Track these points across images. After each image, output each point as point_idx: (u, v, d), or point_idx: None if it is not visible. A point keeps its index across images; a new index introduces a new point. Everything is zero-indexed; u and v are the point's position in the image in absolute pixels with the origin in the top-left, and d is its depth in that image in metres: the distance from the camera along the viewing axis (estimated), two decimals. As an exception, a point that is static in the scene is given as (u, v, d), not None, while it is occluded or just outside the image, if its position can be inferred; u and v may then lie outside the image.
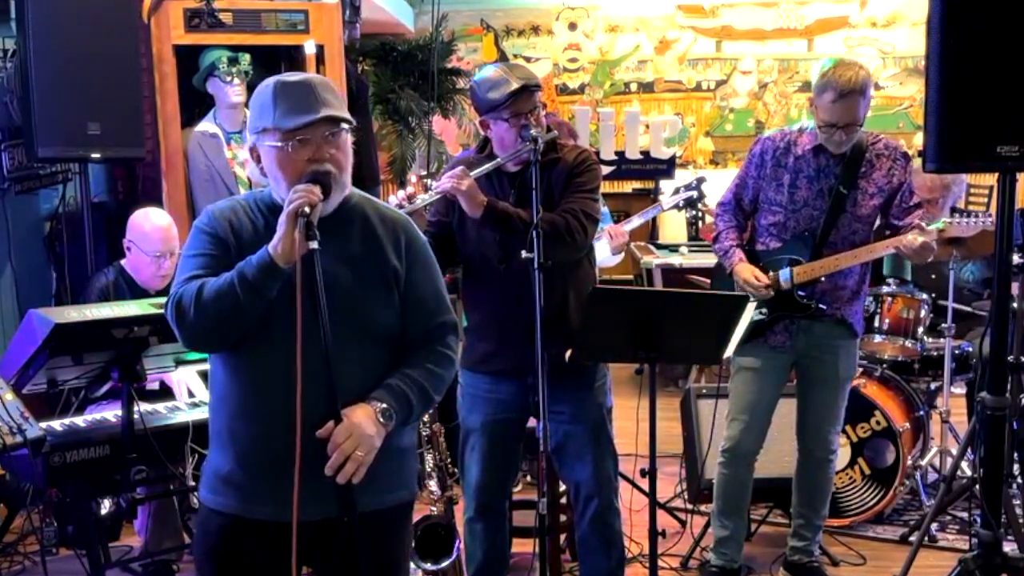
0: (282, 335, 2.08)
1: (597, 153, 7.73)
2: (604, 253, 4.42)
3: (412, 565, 3.04)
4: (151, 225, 3.84)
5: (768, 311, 3.61)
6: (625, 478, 4.40)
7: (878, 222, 3.64)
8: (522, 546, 3.66)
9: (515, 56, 8.87)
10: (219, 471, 2.21)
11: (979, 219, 3.63)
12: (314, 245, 2.03)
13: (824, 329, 3.59)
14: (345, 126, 2.16)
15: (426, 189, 3.03)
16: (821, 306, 3.55)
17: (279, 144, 2.12)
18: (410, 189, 3.03)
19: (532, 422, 3.26)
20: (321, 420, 2.06)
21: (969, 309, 4.66)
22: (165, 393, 3.71)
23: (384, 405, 2.13)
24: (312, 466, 2.06)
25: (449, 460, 3.38)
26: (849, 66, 3.39)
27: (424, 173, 5.55)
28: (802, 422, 3.73)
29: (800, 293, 3.55)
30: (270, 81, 2.19)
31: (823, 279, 3.53)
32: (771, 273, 3.57)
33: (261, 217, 2.21)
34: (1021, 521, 3.55)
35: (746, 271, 3.58)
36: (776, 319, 3.60)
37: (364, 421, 2.09)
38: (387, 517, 2.23)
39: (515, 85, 2.92)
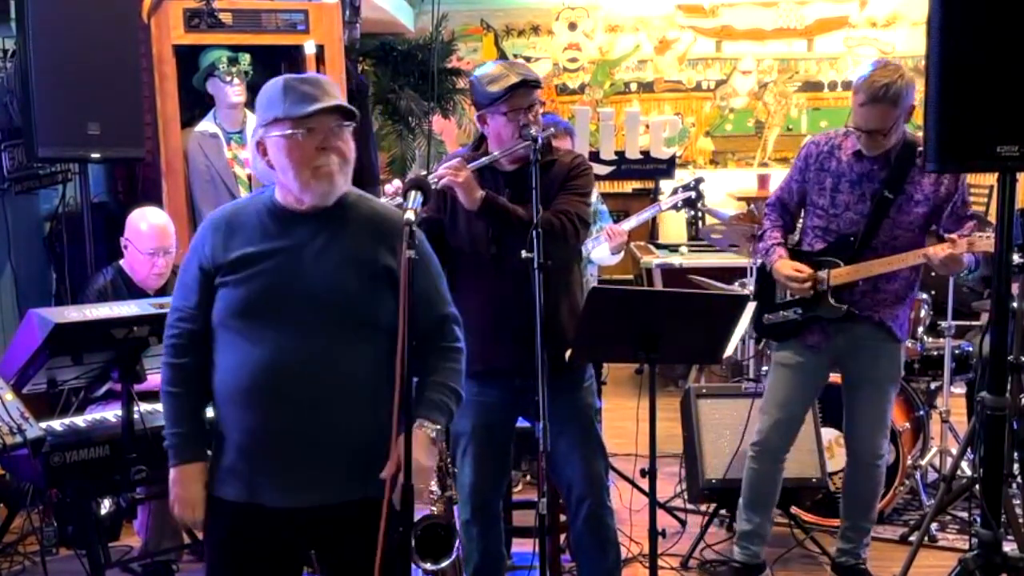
0: (273, 327, 2.19)
1: (597, 153, 7.77)
2: (603, 253, 4.44)
3: (412, 564, 3.04)
4: (147, 223, 3.84)
5: (802, 311, 3.61)
6: (625, 478, 4.41)
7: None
8: (522, 546, 3.66)
9: (515, 56, 8.86)
10: (220, 460, 2.29)
11: None
12: (412, 254, 2.14)
13: (863, 331, 3.57)
14: (350, 121, 2.23)
15: None
16: (854, 311, 3.53)
17: (289, 132, 2.19)
18: (399, 184, 2.99)
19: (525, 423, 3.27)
20: (323, 409, 2.18)
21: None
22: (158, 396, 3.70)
23: (438, 426, 2.30)
24: (315, 453, 2.19)
25: (449, 460, 3.38)
26: (889, 72, 3.34)
27: (425, 172, 5.54)
28: (850, 427, 3.72)
29: (837, 297, 3.52)
30: (279, 78, 2.26)
31: (861, 282, 3.51)
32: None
33: (261, 219, 2.28)
34: (1021, 521, 3.55)
35: (787, 267, 3.57)
36: (810, 319, 3.60)
37: (423, 455, 2.23)
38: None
39: (514, 79, 2.92)
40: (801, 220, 3.76)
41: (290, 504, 2.22)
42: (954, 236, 3.39)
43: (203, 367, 2.31)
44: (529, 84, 2.96)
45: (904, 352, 3.73)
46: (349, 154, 2.25)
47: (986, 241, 3.42)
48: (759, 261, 3.81)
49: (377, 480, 2.20)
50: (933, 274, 4.62)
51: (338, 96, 2.23)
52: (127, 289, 3.85)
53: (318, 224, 2.25)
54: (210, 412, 2.37)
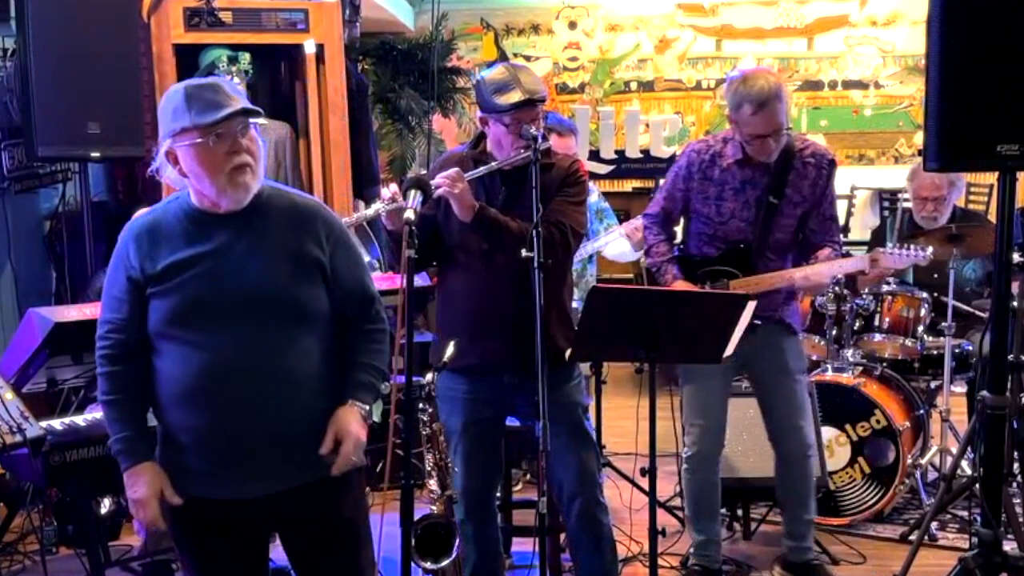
0: (211, 330, 2.25)
1: (597, 152, 7.78)
2: (623, 248, 4.43)
3: (413, 564, 3.04)
4: None
5: None
6: (625, 477, 4.41)
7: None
8: (522, 545, 3.66)
9: (515, 55, 8.86)
10: (174, 461, 2.35)
11: (911, 253, 3.61)
12: (412, 253, 2.21)
13: (764, 331, 3.59)
14: (255, 120, 2.29)
15: None
16: (756, 321, 3.52)
17: (199, 140, 2.23)
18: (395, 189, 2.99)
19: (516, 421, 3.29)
20: (270, 402, 2.27)
21: (968, 309, 4.65)
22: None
23: (367, 407, 2.39)
24: (262, 445, 2.29)
25: (449, 460, 3.38)
26: (759, 76, 3.40)
27: (424, 172, 5.55)
28: (771, 426, 3.74)
29: None
30: (179, 86, 2.30)
31: None
32: (707, 285, 3.58)
33: (182, 225, 2.34)
34: (1021, 520, 3.55)
35: (684, 288, 3.58)
36: None
37: (359, 431, 2.35)
38: (338, 481, 2.37)
39: (521, 97, 2.91)
40: (681, 225, 3.78)
41: (246, 495, 2.32)
42: (865, 256, 3.54)
43: (138, 373, 2.35)
44: (534, 101, 2.95)
45: (803, 344, 3.80)
46: (258, 152, 2.31)
47: (888, 257, 3.58)
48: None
49: (324, 461, 2.32)
50: (935, 275, 4.66)
51: (240, 98, 2.29)
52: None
53: (240, 224, 2.31)
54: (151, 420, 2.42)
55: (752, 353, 3.62)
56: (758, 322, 3.54)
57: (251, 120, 2.28)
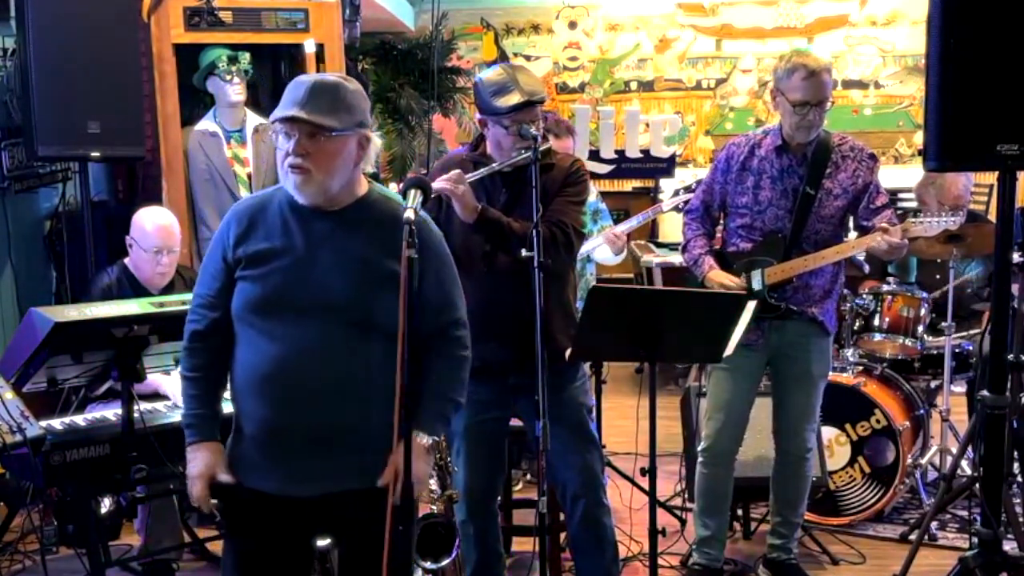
0: (287, 323, 2.27)
1: (597, 152, 7.77)
2: (607, 254, 4.49)
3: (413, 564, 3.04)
4: (151, 223, 3.85)
5: None
6: (625, 476, 4.41)
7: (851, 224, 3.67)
8: (522, 545, 3.67)
9: (515, 55, 8.85)
10: (235, 450, 2.39)
11: (944, 219, 3.62)
12: (412, 253, 2.16)
13: (797, 327, 3.60)
14: (329, 133, 2.24)
15: None
16: (791, 307, 3.56)
17: (272, 134, 2.29)
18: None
19: (516, 421, 3.28)
20: (326, 404, 2.27)
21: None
22: (157, 397, 3.70)
23: (435, 438, 2.40)
24: (317, 444, 2.28)
25: (449, 459, 3.38)
26: (811, 52, 3.50)
27: (424, 172, 5.55)
28: (778, 422, 3.75)
29: (772, 295, 3.56)
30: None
31: (795, 279, 3.55)
32: (743, 276, 3.59)
33: (282, 213, 2.35)
34: (1021, 520, 3.55)
35: (719, 277, 3.59)
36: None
37: (420, 464, 2.31)
38: (386, 492, 2.31)
39: (520, 99, 2.92)
40: (721, 223, 3.79)
41: (295, 493, 2.32)
42: (885, 225, 3.44)
43: (221, 353, 2.39)
44: (533, 103, 2.96)
45: (832, 345, 3.78)
46: (325, 162, 2.26)
47: (919, 227, 3.52)
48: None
49: (378, 471, 2.29)
50: (938, 276, 4.67)
51: (324, 104, 2.24)
52: (132, 288, 3.85)
53: (334, 222, 2.32)
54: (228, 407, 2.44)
55: (780, 348, 3.64)
56: (793, 307, 3.55)
57: (334, 131, 2.24)
